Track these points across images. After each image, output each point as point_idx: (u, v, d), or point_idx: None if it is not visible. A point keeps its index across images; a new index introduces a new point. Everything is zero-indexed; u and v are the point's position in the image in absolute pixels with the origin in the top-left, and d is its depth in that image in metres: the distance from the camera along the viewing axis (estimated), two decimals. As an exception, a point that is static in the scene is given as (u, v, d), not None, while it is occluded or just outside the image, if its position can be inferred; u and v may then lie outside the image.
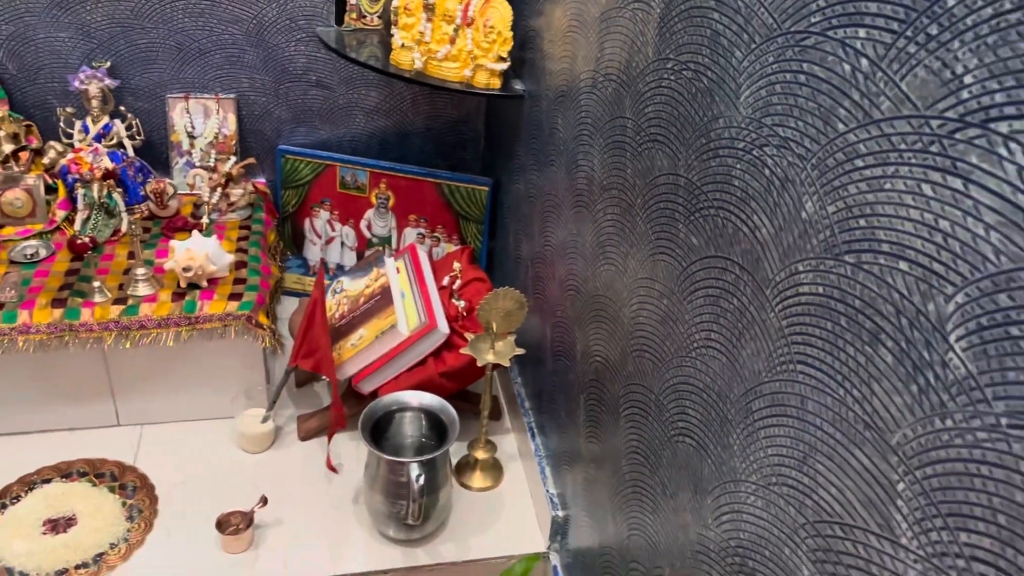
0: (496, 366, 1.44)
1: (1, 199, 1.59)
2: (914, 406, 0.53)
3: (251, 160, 1.75)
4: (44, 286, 1.48)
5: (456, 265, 1.64)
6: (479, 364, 1.41)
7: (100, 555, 1.34)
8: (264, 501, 1.39)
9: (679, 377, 0.87)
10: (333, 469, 1.50)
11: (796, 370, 0.66)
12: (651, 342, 0.95)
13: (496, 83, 1.53)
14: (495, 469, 1.57)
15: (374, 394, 1.51)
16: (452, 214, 1.87)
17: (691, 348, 0.84)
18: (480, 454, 1.55)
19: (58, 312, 1.43)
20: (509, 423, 1.69)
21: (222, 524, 1.37)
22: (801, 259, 0.64)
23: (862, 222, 0.57)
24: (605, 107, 1.09)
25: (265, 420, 1.54)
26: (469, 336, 1.45)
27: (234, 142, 1.79)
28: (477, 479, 1.54)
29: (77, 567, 1.32)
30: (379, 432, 1.41)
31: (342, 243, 1.93)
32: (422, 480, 1.30)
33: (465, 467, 1.55)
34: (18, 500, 1.42)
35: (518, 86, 1.54)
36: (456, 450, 1.55)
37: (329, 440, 1.51)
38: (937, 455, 0.51)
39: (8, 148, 1.64)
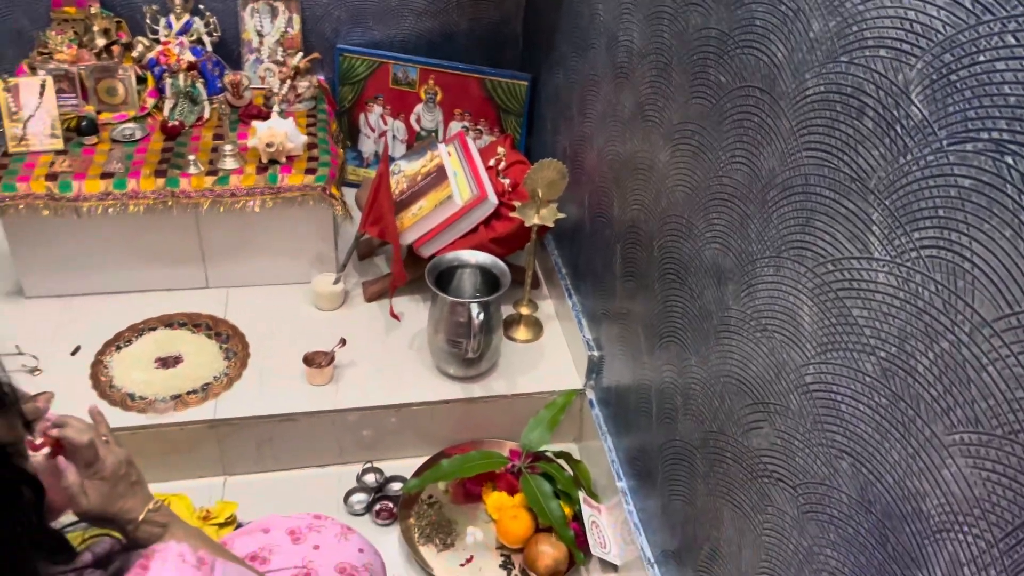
0: (541, 229, 1.65)
1: (99, 87, 1.79)
2: (886, 154, 0.73)
3: (316, 55, 1.94)
4: (145, 160, 1.69)
5: (500, 149, 1.84)
6: (526, 225, 1.63)
7: (206, 384, 1.58)
8: (343, 342, 1.62)
9: (709, 194, 1.08)
10: (396, 316, 1.73)
11: (803, 157, 0.86)
12: (685, 175, 1.15)
13: (540, -21, 1.71)
14: (536, 325, 1.79)
15: (431, 258, 1.73)
16: (494, 108, 2.06)
17: (719, 167, 1.05)
18: (524, 310, 1.77)
19: (160, 181, 1.64)
20: (547, 291, 1.91)
21: (308, 360, 1.61)
22: (808, 69, 0.84)
23: (855, 28, 0.77)
24: (645, -16, 1.28)
25: (336, 282, 1.77)
26: (517, 204, 1.66)
27: (298, 40, 1.97)
28: (521, 332, 1.77)
29: (188, 393, 1.55)
30: (440, 285, 1.63)
31: (393, 136, 2.12)
32: (482, 317, 1.52)
33: (511, 323, 1.78)
34: (130, 343, 1.65)
35: (559, -18, 1.72)
36: (503, 308, 1.77)
37: (392, 293, 1.74)
38: (900, 183, 0.72)
39: (101, 42, 1.83)
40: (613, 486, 1.47)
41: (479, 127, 2.09)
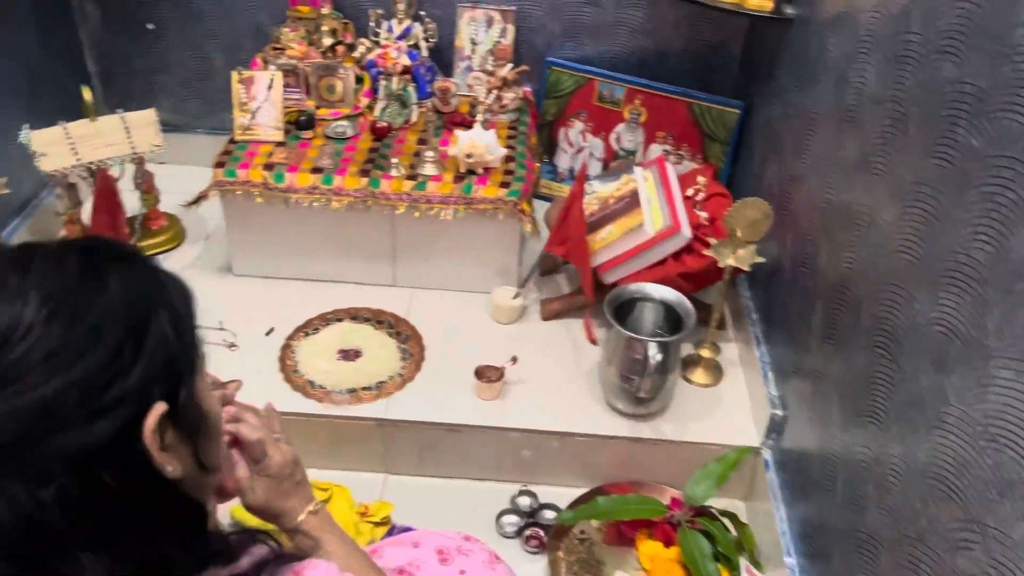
0: (735, 271, 1.55)
1: (320, 84, 1.89)
2: None
3: (525, 67, 1.94)
4: (352, 158, 1.76)
5: (701, 179, 1.76)
6: (720, 265, 1.53)
7: (381, 383, 1.62)
8: (515, 360, 1.61)
9: (940, 269, 0.95)
10: (593, 340, 1.70)
11: (1069, 249, 0.73)
12: (912, 241, 1.03)
13: (768, 5, 1.61)
14: (716, 370, 1.69)
15: (614, 285, 1.68)
16: (699, 134, 1.97)
17: (957, 241, 0.92)
18: (705, 352, 1.68)
19: (364, 180, 1.70)
20: (732, 334, 1.80)
21: (479, 373, 1.61)
22: (1092, 147, 0.71)
23: None
24: (889, 23, 1.15)
25: (516, 296, 1.76)
26: (712, 241, 1.57)
27: (510, 51, 1.98)
28: (700, 375, 1.68)
29: (364, 388, 1.60)
30: (620, 316, 1.57)
31: (591, 153, 2.09)
32: (659, 357, 1.45)
33: (689, 363, 1.69)
34: (317, 331, 1.73)
35: (789, 10, 1.61)
36: (682, 348, 1.68)
37: (588, 317, 1.72)
38: None
39: (328, 41, 1.93)
40: (779, 559, 1.36)
41: (680, 152, 2.01)
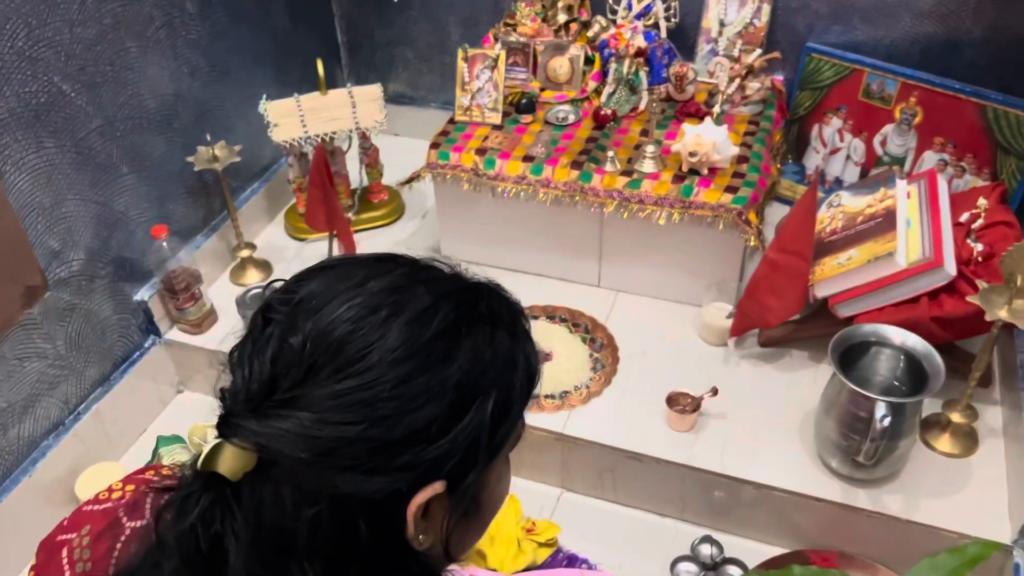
0: (1007, 326, 1.24)
1: (548, 64, 1.78)
2: None
3: (775, 54, 1.69)
4: (568, 148, 1.64)
5: (981, 202, 1.42)
6: (987, 318, 1.23)
7: (565, 393, 1.51)
8: (715, 391, 1.42)
9: None
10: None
11: None
12: None
13: (1105, -11, 1.24)
14: (968, 438, 1.38)
15: (850, 320, 1.42)
16: (990, 144, 1.60)
17: None
18: (956, 417, 1.37)
19: (574, 173, 1.58)
20: (999, 395, 1.46)
21: (671, 400, 1.44)
22: None
23: None
24: None
25: (730, 316, 1.55)
26: (981, 284, 1.26)
27: (762, 33, 1.74)
28: (944, 442, 1.38)
29: (547, 396, 1.50)
30: (848, 360, 1.32)
31: (847, 156, 1.79)
32: (886, 422, 1.19)
33: (933, 425, 1.39)
34: (512, 326, 1.65)
35: None
36: (927, 404, 1.39)
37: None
38: None
39: (563, 18, 1.81)
40: None
41: (962, 164, 1.66)
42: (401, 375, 0.55)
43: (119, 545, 0.69)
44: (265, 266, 1.83)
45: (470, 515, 0.63)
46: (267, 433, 0.54)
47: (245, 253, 1.79)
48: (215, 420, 0.57)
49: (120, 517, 0.72)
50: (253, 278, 1.80)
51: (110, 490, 0.77)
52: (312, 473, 0.55)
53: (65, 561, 0.72)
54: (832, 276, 1.43)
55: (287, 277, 0.63)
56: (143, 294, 1.63)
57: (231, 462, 0.55)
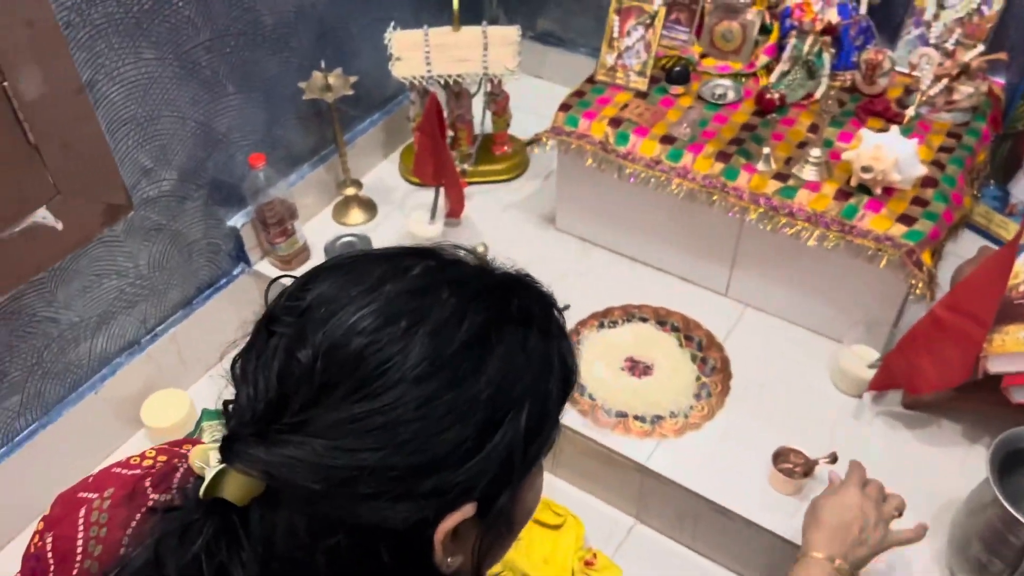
0: None
1: (716, 27, 1.52)
2: None
3: (1000, 56, 1.36)
4: (717, 133, 1.39)
5: None
6: None
7: (658, 417, 1.32)
8: (834, 458, 1.19)
9: None
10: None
11: None
12: None
13: None
14: None
15: (1022, 409, 1.14)
16: None
17: None
18: None
19: (718, 167, 1.34)
20: None
21: (779, 456, 1.23)
22: None
23: None
24: None
25: (874, 365, 1.30)
26: None
27: (989, 27, 1.40)
28: (1118, 585, 1.10)
29: (636, 417, 1.32)
30: (1012, 464, 1.06)
31: (1069, 191, 1.45)
32: (1047, 565, 0.94)
33: (1107, 559, 1.11)
34: (614, 326, 1.46)
35: None
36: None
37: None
38: None
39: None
40: None
41: None
42: (425, 394, 0.49)
43: (138, 516, 0.65)
44: (370, 206, 1.71)
45: (503, 533, 0.58)
46: (276, 462, 0.49)
47: (350, 191, 1.67)
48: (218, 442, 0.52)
49: (146, 487, 0.67)
50: (356, 219, 1.68)
51: (142, 456, 0.73)
52: (328, 503, 0.50)
53: (82, 520, 0.68)
54: (1016, 352, 1.15)
55: (355, 236, 0.53)
56: (237, 220, 1.55)
57: (236, 489, 0.50)
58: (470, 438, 0.50)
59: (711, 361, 1.40)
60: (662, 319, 1.46)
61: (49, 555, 0.67)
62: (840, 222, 1.26)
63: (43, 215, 1.19)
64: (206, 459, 0.51)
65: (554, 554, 1.28)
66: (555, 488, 1.39)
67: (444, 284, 0.53)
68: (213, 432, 1.40)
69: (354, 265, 0.55)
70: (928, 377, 1.20)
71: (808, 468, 1.20)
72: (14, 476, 1.32)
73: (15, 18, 1.06)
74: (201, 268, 1.53)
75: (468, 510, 0.52)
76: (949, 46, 1.40)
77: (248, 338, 0.55)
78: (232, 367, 0.55)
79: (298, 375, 0.50)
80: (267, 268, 1.59)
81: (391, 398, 0.49)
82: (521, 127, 1.77)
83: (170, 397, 1.48)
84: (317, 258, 1.61)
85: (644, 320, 1.46)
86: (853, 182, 1.27)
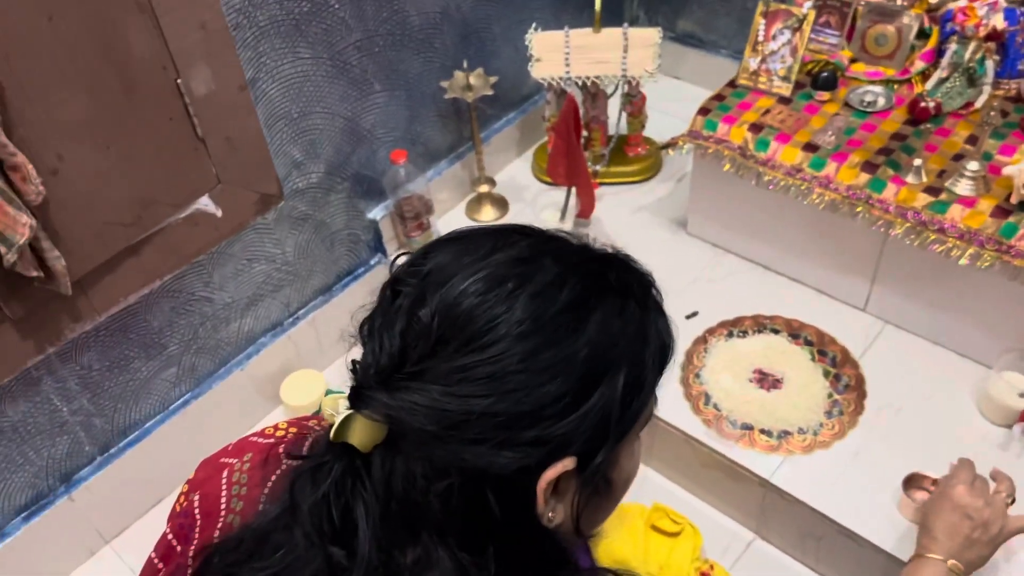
0: None
1: (869, 31, 1.46)
2: None
3: None
4: (864, 142, 1.34)
5: None
6: None
7: (786, 433, 1.29)
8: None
9: None
10: None
11: None
12: None
13: None
14: None
15: None
16: None
17: None
18: None
19: (864, 178, 1.29)
20: None
21: (911, 482, 1.17)
22: None
23: None
24: None
25: (1025, 395, 1.22)
26: None
27: None
28: None
29: (762, 431, 1.29)
30: None
31: None
32: None
33: None
34: (744, 336, 1.43)
35: None
36: None
37: None
38: None
39: (900, -24, 1.46)
40: None
41: None
42: (528, 349, 0.54)
43: (273, 477, 0.71)
44: (502, 204, 1.74)
45: (600, 493, 0.62)
46: (397, 405, 0.54)
47: (484, 188, 1.71)
48: (347, 391, 0.58)
49: (279, 453, 0.73)
50: (488, 215, 1.72)
51: (276, 428, 0.78)
52: (441, 446, 0.54)
53: (224, 481, 0.74)
54: None
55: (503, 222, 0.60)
56: (376, 213, 1.62)
57: (362, 434, 0.55)
58: (569, 393, 0.54)
59: (845, 378, 1.35)
60: (795, 332, 1.42)
61: (196, 511, 0.73)
62: (997, 241, 1.18)
63: (205, 203, 1.28)
64: (336, 407, 0.57)
65: (670, 562, 1.27)
66: (674, 496, 1.38)
67: (547, 254, 0.58)
68: (331, 406, 1.47)
69: (468, 237, 0.60)
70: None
71: (946, 498, 1.14)
72: (168, 441, 1.43)
73: (191, 21, 1.14)
74: (341, 257, 1.61)
75: (568, 463, 0.55)
76: None
77: (374, 304, 0.60)
78: (360, 328, 0.60)
79: (417, 331, 0.55)
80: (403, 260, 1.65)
81: (497, 351, 0.53)
82: (656, 128, 1.76)
83: (307, 377, 1.56)
84: (449, 252, 1.66)
85: (776, 332, 1.43)
86: (1014, 199, 1.19)
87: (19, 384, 1.21)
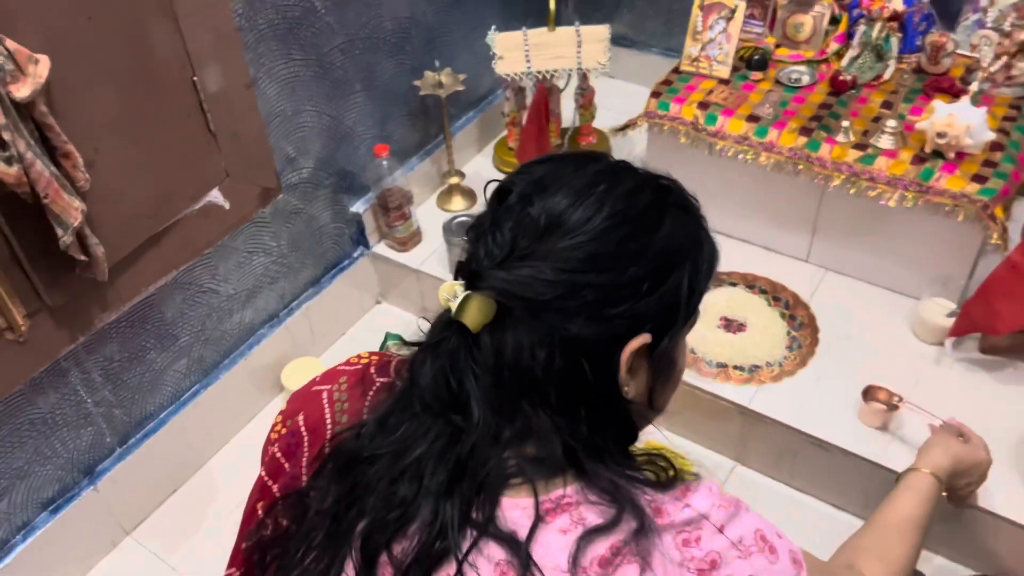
0: None
1: (789, 20, 1.67)
2: None
3: (1057, 32, 1.50)
4: (797, 112, 1.54)
5: None
6: None
7: (756, 367, 1.46)
8: (899, 401, 1.32)
9: None
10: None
11: None
12: None
13: None
14: None
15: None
16: None
17: None
18: None
19: (802, 140, 1.49)
20: None
21: (868, 393, 1.36)
22: None
23: None
24: None
25: (951, 315, 1.43)
26: None
27: (1044, 7, 1.54)
28: None
29: (735, 367, 1.46)
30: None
31: (1122, 156, 1.58)
32: None
33: None
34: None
35: None
36: None
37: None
38: None
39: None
40: None
41: None
42: (620, 235, 0.64)
43: (371, 393, 0.79)
44: (470, 195, 1.88)
45: (667, 372, 0.71)
46: (514, 280, 0.63)
47: (454, 180, 1.84)
48: (460, 280, 0.67)
49: (372, 373, 0.81)
50: (458, 205, 1.85)
51: (359, 357, 0.86)
52: (545, 319, 0.63)
53: (326, 400, 0.81)
54: (1087, 291, 1.28)
55: (468, 216, 0.69)
56: (359, 207, 1.72)
57: (476, 312, 0.64)
58: (648, 277, 0.64)
59: (799, 318, 1.54)
60: (750, 283, 1.61)
61: (302, 429, 0.81)
62: (918, 184, 1.40)
63: (216, 196, 1.36)
64: (452, 292, 0.66)
65: (666, 491, 1.42)
66: (661, 438, 1.53)
67: (625, 170, 0.70)
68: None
69: (557, 158, 0.71)
70: (1006, 319, 1.33)
71: (894, 404, 1.33)
72: (180, 432, 1.48)
73: (206, 24, 1.24)
74: (328, 249, 1.70)
75: (646, 337, 0.65)
76: (1007, 27, 1.54)
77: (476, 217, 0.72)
78: (467, 232, 0.70)
79: (527, 223, 0.65)
80: (384, 250, 1.76)
81: (595, 235, 0.64)
82: (600, 122, 1.93)
83: (306, 363, 1.64)
84: (428, 239, 1.77)
85: (734, 285, 1.61)
86: (928, 148, 1.42)
87: (49, 376, 1.26)
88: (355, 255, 1.77)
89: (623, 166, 0.70)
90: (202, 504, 1.51)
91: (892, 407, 1.33)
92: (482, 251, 0.67)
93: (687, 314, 0.69)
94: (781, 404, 1.40)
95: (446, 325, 0.67)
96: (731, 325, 1.53)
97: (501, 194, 0.69)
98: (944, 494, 1.08)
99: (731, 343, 1.50)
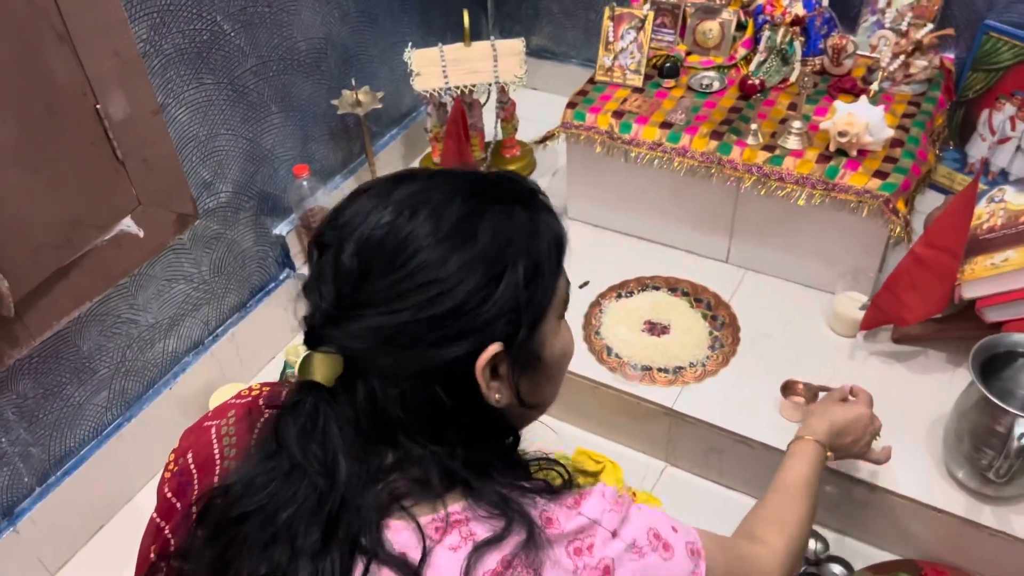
0: None
1: (697, 27, 1.72)
2: None
3: (948, 31, 1.57)
4: (709, 116, 1.58)
5: None
6: None
7: (680, 368, 1.48)
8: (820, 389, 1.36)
9: None
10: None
11: None
12: None
13: None
14: (1119, 468, 1.27)
15: (997, 326, 1.32)
16: None
17: None
18: (1107, 443, 1.26)
19: (713, 144, 1.53)
20: None
21: (787, 388, 1.39)
22: None
23: None
24: None
25: (863, 307, 1.48)
26: None
27: (936, 7, 1.61)
28: (1090, 468, 1.27)
29: (660, 369, 1.48)
30: (990, 369, 1.24)
31: (1017, 147, 1.65)
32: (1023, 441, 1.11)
33: (1079, 448, 1.29)
34: (631, 295, 1.63)
35: None
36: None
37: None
38: None
39: (716, -20, 1.73)
40: None
41: None
42: (435, 258, 0.63)
43: (259, 424, 0.78)
44: (396, 211, 1.88)
45: (536, 368, 0.70)
46: (343, 335, 0.64)
47: (378, 197, 1.84)
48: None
49: (260, 405, 0.81)
50: (384, 222, 1.85)
51: (250, 389, 0.86)
52: (387, 358, 0.64)
53: (214, 435, 0.81)
54: (984, 277, 1.33)
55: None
56: (282, 229, 1.71)
57: (323, 368, 0.65)
58: (480, 288, 0.63)
59: (720, 318, 1.57)
60: (672, 286, 1.63)
61: (192, 467, 0.79)
62: (824, 181, 1.44)
63: (128, 224, 1.34)
64: (297, 352, 0.68)
65: (598, 496, 1.43)
66: (591, 444, 1.55)
67: (436, 186, 0.68)
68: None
69: (370, 187, 0.70)
70: (914, 308, 1.38)
71: (813, 395, 1.37)
72: (103, 468, 1.45)
73: (106, 49, 1.22)
74: (253, 273, 1.69)
75: (495, 347, 0.64)
76: (903, 27, 1.60)
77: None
78: (303, 290, 0.69)
79: (343, 272, 0.64)
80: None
81: (413, 265, 0.63)
82: (523, 134, 1.95)
83: (235, 389, 1.62)
84: (355, 259, 1.77)
85: (656, 288, 1.64)
86: (832, 147, 1.46)
87: (-43, 417, 1.22)
88: (281, 277, 1.75)
89: (437, 178, 0.69)
90: (130, 540, 1.44)
91: (810, 400, 1.37)
92: (314, 305, 0.67)
93: (541, 304, 0.68)
94: (705, 404, 1.43)
95: (301, 385, 0.67)
96: (655, 328, 1.55)
97: (319, 247, 0.68)
98: (830, 454, 1.13)
99: (655, 346, 1.52)
